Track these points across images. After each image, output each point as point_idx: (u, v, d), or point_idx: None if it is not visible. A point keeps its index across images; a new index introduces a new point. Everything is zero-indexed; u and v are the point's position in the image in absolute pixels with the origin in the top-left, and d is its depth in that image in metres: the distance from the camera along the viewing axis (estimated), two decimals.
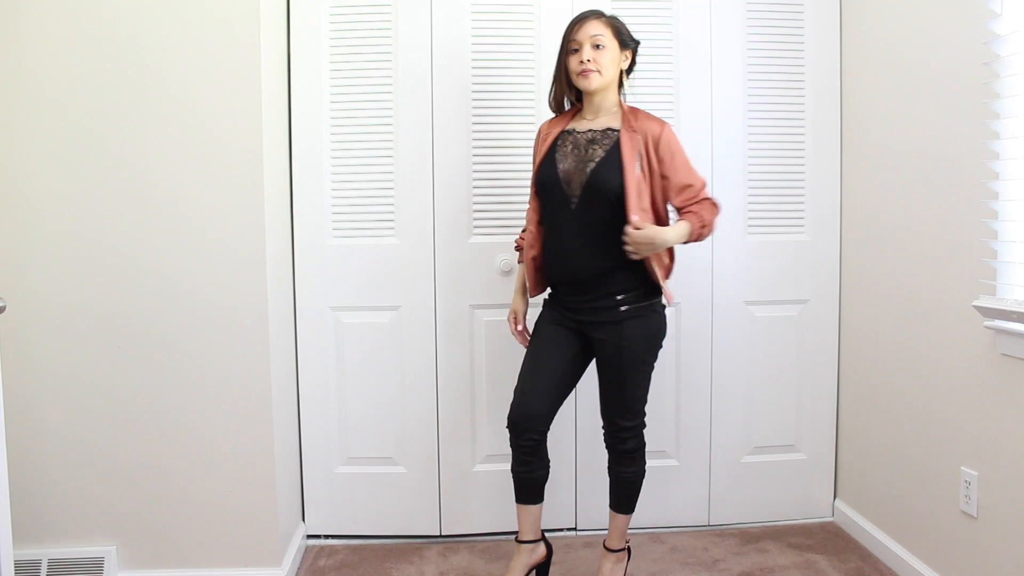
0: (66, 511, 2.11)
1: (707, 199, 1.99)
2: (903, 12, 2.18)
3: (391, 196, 2.46)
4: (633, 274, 1.97)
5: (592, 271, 1.97)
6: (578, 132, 2.03)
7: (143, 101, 2.04)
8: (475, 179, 2.47)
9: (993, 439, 1.82)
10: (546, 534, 2.17)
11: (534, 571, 2.14)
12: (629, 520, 2.14)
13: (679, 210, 2.00)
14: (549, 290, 2.14)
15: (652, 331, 2.03)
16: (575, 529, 2.59)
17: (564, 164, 1.99)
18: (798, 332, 2.60)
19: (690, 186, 1.97)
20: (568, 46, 1.98)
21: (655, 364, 2.07)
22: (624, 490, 2.11)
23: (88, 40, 2.02)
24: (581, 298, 2.01)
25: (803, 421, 2.63)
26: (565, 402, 2.16)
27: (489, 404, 2.51)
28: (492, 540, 2.53)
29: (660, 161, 1.95)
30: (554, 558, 2.31)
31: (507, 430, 2.07)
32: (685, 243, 1.97)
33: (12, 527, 1.45)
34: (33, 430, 2.07)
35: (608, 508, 2.16)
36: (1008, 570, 1.76)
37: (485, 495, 2.53)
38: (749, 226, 2.55)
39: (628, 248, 1.88)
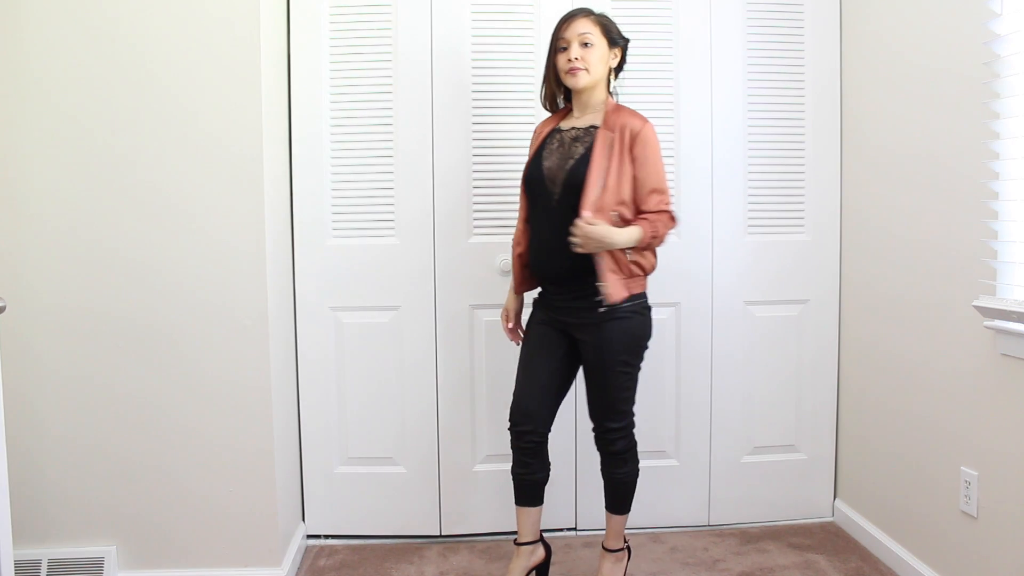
0: (66, 511, 2.11)
1: (667, 211, 1.96)
2: (903, 12, 2.18)
3: (391, 196, 2.46)
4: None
5: (571, 270, 1.95)
6: (564, 130, 2.04)
7: (143, 101, 2.04)
8: (475, 179, 2.47)
9: (993, 439, 1.82)
10: (546, 534, 2.17)
11: (533, 572, 2.14)
12: (626, 520, 2.13)
13: (637, 213, 1.96)
14: (539, 289, 2.14)
15: (633, 333, 2.00)
16: (575, 529, 2.59)
17: (548, 162, 2.01)
18: (798, 332, 2.60)
19: (655, 191, 1.95)
20: (557, 44, 1.99)
21: (641, 365, 2.05)
22: (618, 491, 2.10)
23: (88, 41, 2.02)
24: (562, 297, 2.01)
25: (803, 421, 2.63)
26: (566, 402, 2.17)
27: (489, 404, 2.51)
28: (492, 540, 2.53)
29: (634, 158, 1.93)
30: (554, 558, 2.31)
31: (508, 432, 2.08)
32: (631, 249, 1.93)
33: (12, 527, 1.45)
34: (33, 430, 2.07)
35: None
36: (1008, 570, 1.76)
37: (485, 495, 2.53)
38: (749, 226, 2.55)
39: (575, 240, 1.88)
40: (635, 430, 2.10)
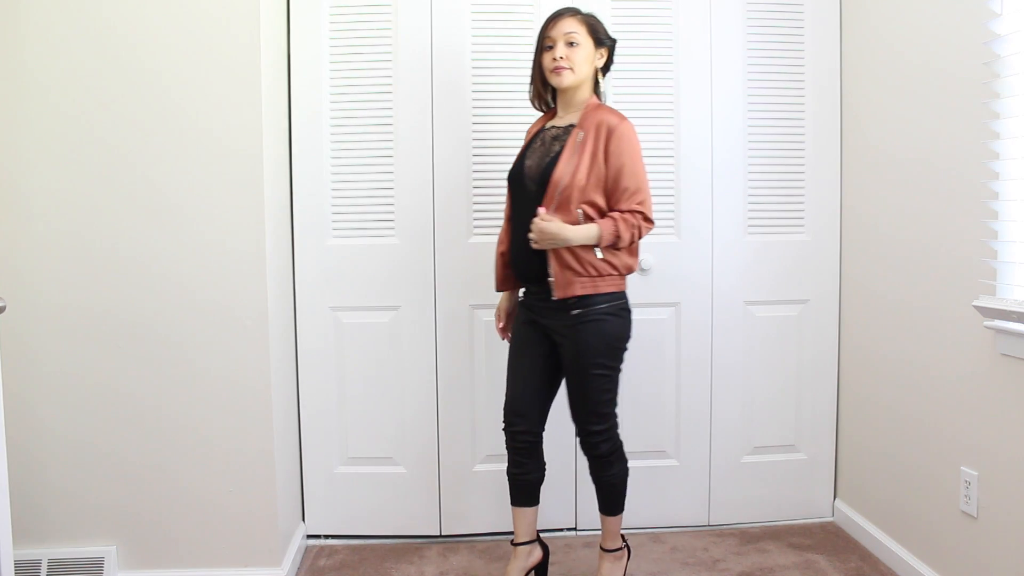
0: (66, 511, 2.11)
1: (639, 211, 1.91)
2: (903, 11, 2.18)
3: (391, 196, 2.46)
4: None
5: (546, 270, 1.94)
6: (546, 129, 2.05)
7: (143, 102, 2.04)
8: (475, 179, 2.47)
9: (993, 439, 1.82)
10: (545, 534, 2.18)
11: (532, 573, 2.14)
12: (620, 520, 2.11)
13: (609, 210, 1.93)
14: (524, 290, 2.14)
15: (609, 335, 1.95)
16: (575, 529, 2.58)
17: (530, 161, 2.02)
18: (798, 332, 2.60)
19: (629, 189, 1.91)
20: (543, 43, 1.99)
21: (621, 366, 2.02)
22: (608, 493, 2.07)
23: (88, 41, 2.02)
24: (538, 297, 2.01)
25: (803, 421, 2.63)
26: (565, 402, 2.16)
27: (489, 404, 2.51)
28: (492, 540, 2.53)
29: (608, 155, 1.91)
30: (554, 558, 2.31)
31: (503, 432, 2.10)
32: (599, 247, 1.90)
33: (12, 527, 1.45)
34: (33, 430, 2.07)
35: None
36: (1008, 570, 1.76)
37: (485, 495, 2.53)
38: (749, 226, 2.55)
39: (531, 236, 1.88)
40: (620, 430, 2.08)
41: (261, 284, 2.11)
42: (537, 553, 2.14)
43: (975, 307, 1.80)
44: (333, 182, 2.45)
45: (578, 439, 2.05)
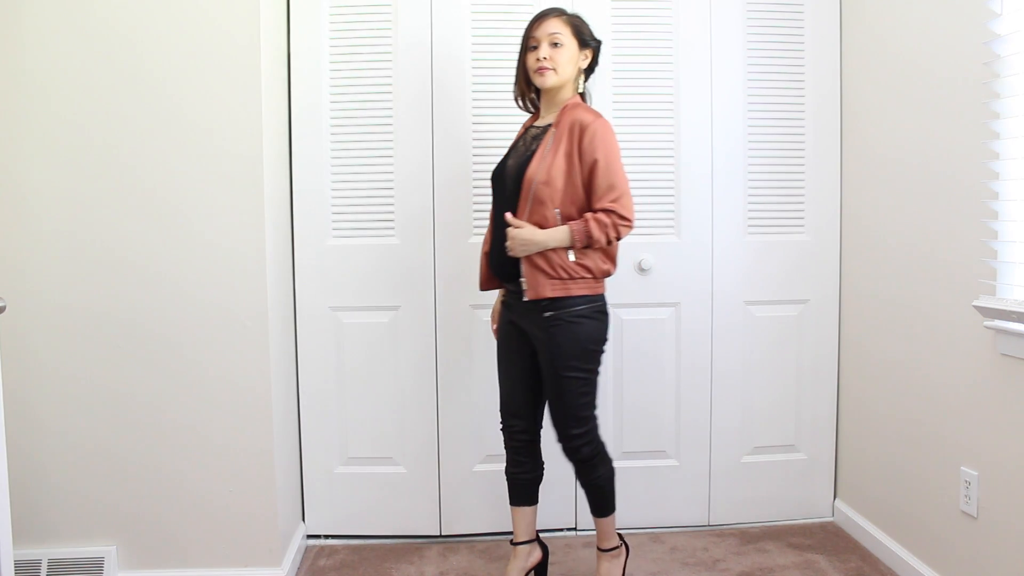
0: (66, 511, 2.11)
1: (614, 211, 1.86)
2: (903, 11, 2.18)
3: (391, 196, 2.46)
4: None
5: (518, 270, 1.94)
6: (528, 129, 2.06)
7: (143, 103, 2.04)
8: (475, 179, 2.47)
9: (993, 439, 1.82)
10: (546, 534, 2.18)
11: (531, 573, 2.14)
12: (614, 519, 2.09)
13: (590, 211, 1.90)
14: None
15: (582, 338, 1.92)
16: (575, 529, 2.58)
17: (512, 161, 2.02)
18: (798, 333, 2.60)
19: (598, 187, 1.87)
20: (527, 43, 1.98)
21: (598, 369, 1.99)
22: (597, 496, 2.04)
23: (88, 43, 2.02)
24: (515, 297, 2.00)
25: (803, 421, 2.63)
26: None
27: (489, 404, 2.50)
28: (492, 540, 2.53)
29: (581, 152, 1.89)
30: (554, 558, 2.31)
31: (500, 431, 2.11)
32: (573, 248, 1.88)
33: (12, 527, 1.44)
34: (33, 430, 2.07)
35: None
36: (1008, 570, 1.76)
37: (485, 495, 2.53)
38: (749, 226, 2.55)
39: (507, 245, 1.89)
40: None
41: (261, 284, 2.11)
42: (537, 553, 2.14)
43: (975, 307, 1.80)
44: (333, 182, 2.45)
45: (560, 445, 2.00)
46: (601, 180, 1.88)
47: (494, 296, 2.47)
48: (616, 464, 2.53)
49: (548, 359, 1.94)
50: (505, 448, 2.12)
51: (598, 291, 1.96)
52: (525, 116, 2.43)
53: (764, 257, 2.57)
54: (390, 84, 2.44)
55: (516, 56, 2.42)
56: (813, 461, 2.64)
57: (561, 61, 1.94)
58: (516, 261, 1.93)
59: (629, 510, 2.57)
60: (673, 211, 2.52)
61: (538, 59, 1.94)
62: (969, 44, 1.87)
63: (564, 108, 1.95)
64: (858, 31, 2.45)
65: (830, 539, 2.50)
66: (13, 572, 1.50)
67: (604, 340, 1.99)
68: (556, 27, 1.94)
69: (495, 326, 2.21)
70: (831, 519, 2.65)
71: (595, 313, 1.95)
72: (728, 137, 2.52)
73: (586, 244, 1.88)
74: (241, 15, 2.05)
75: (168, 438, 2.12)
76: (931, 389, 2.08)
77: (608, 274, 1.98)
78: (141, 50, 2.04)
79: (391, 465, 2.53)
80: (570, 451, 1.99)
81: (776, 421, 2.62)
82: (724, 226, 2.54)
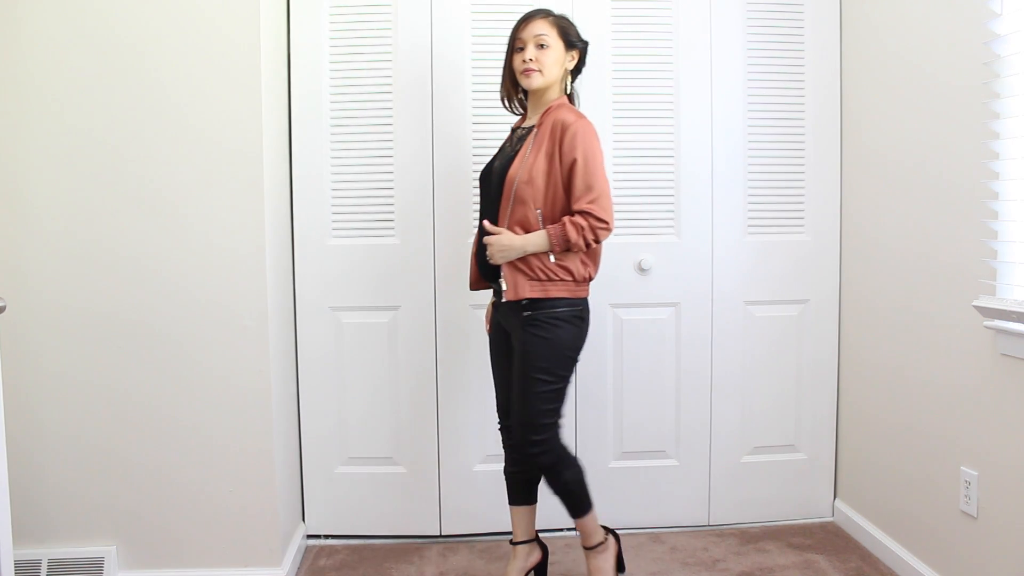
0: (66, 511, 2.11)
1: (589, 213, 1.84)
2: (903, 11, 2.18)
3: (391, 196, 2.46)
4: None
5: (498, 270, 1.94)
6: (515, 130, 2.07)
7: (144, 103, 2.05)
8: (475, 179, 2.46)
9: (993, 439, 1.82)
10: (546, 534, 2.17)
11: (531, 573, 2.14)
12: (592, 516, 2.02)
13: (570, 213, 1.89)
14: None
15: (557, 342, 1.89)
16: (575, 529, 2.57)
17: (497, 162, 2.03)
18: (798, 332, 2.60)
19: (576, 188, 1.86)
20: (514, 44, 1.98)
21: (569, 377, 1.95)
22: (568, 500, 1.99)
23: (88, 44, 2.02)
24: (498, 296, 2.00)
25: (803, 421, 2.63)
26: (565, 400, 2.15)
27: (488, 404, 2.50)
28: (492, 540, 2.53)
29: (561, 152, 1.88)
30: (554, 558, 2.31)
31: (499, 431, 2.11)
32: (552, 252, 1.87)
33: (12, 527, 1.45)
34: (33, 430, 2.08)
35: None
36: (1008, 570, 1.76)
37: (485, 495, 2.53)
38: (749, 226, 2.55)
39: (488, 253, 1.91)
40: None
41: (261, 284, 2.12)
42: (537, 553, 2.14)
43: (975, 307, 1.80)
44: (333, 182, 2.45)
45: (518, 450, 1.95)
46: (579, 180, 1.86)
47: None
48: (616, 464, 2.57)
49: (519, 358, 1.92)
50: (504, 447, 2.12)
51: (579, 295, 1.94)
52: None
53: (764, 257, 2.57)
54: (390, 84, 2.44)
55: None
56: (813, 461, 2.64)
57: (547, 62, 1.94)
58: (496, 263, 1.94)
59: (629, 510, 2.58)
60: (673, 211, 2.52)
61: (524, 60, 1.94)
62: (969, 44, 1.87)
63: (548, 109, 1.95)
64: (858, 31, 2.45)
65: (830, 539, 2.50)
66: (13, 572, 1.51)
67: (579, 347, 1.96)
68: (542, 28, 1.94)
69: (488, 326, 2.21)
70: (831, 519, 2.65)
71: (573, 318, 1.93)
72: (728, 137, 2.52)
73: (564, 248, 1.87)
74: (241, 16, 2.05)
75: (168, 438, 2.12)
76: (931, 389, 2.08)
77: (590, 278, 1.97)
78: (142, 51, 2.04)
79: (391, 465, 2.53)
80: (528, 456, 1.93)
81: (776, 421, 2.62)
82: (724, 226, 2.54)
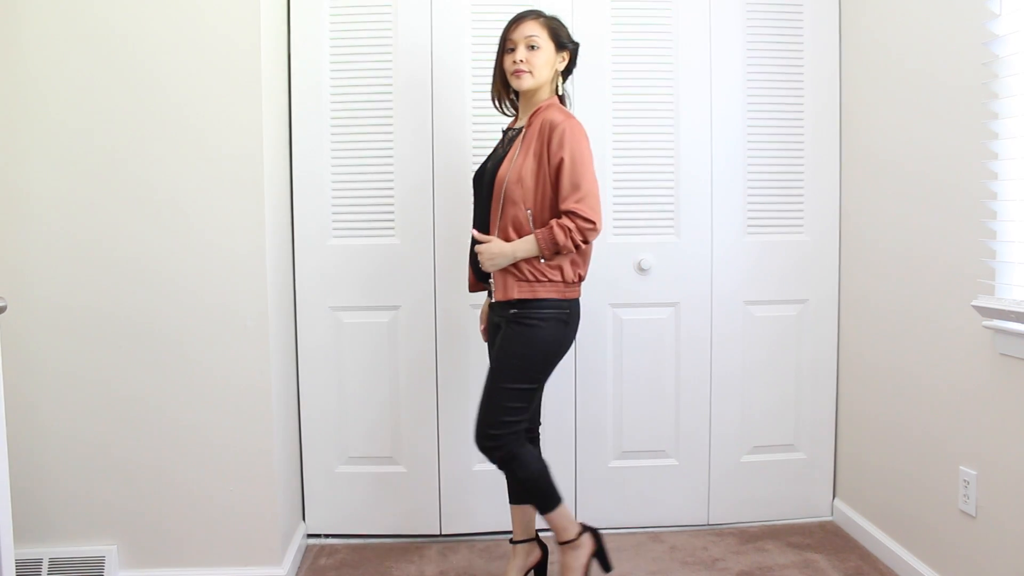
0: (67, 510, 2.12)
1: (575, 213, 1.83)
2: (902, 12, 2.18)
3: (391, 196, 2.47)
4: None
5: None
6: (506, 131, 2.08)
7: (144, 104, 2.05)
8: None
9: (992, 439, 1.82)
10: (546, 533, 2.17)
11: (531, 572, 2.14)
12: (561, 512, 1.98)
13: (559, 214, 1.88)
14: None
15: (538, 343, 1.88)
16: None
17: (489, 163, 2.03)
18: (797, 332, 2.61)
19: (563, 187, 1.85)
20: (504, 45, 1.99)
21: (544, 381, 1.95)
22: (529, 495, 1.99)
23: (88, 45, 2.02)
24: (490, 295, 2.00)
25: (802, 421, 2.63)
26: (565, 400, 2.16)
27: None
28: (492, 539, 2.53)
29: (549, 153, 1.87)
30: (554, 557, 2.31)
31: None
32: (543, 256, 1.87)
33: (13, 526, 1.45)
34: (34, 430, 2.08)
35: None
36: (1007, 570, 1.77)
37: (485, 495, 2.53)
38: (749, 226, 2.56)
39: (480, 261, 1.91)
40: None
41: (261, 284, 2.12)
42: (536, 552, 2.15)
43: (974, 307, 1.80)
44: (333, 182, 2.45)
45: (475, 440, 1.93)
46: (566, 180, 1.86)
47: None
48: (616, 463, 2.57)
49: (496, 351, 1.95)
50: None
51: (568, 296, 1.93)
52: None
53: (763, 257, 2.57)
54: (390, 84, 2.44)
55: None
56: (812, 460, 2.64)
57: (537, 64, 1.94)
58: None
59: (629, 509, 2.58)
60: (673, 211, 2.52)
61: (514, 62, 1.94)
62: (968, 45, 1.87)
63: (537, 109, 1.96)
64: (857, 32, 2.45)
65: (829, 538, 2.50)
66: (14, 571, 1.51)
67: (559, 352, 1.95)
68: (533, 30, 1.94)
69: (483, 327, 2.21)
70: (830, 518, 2.65)
71: (557, 320, 1.91)
72: (728, 137, 2.52)
73: (554, 252, 1.87)
74: (241, 16, 2.05)
75: (169, 437, 2.12)
76: (930, 388, 2.08)
77: (580, 279, 1.96)
78: (142, 53, 2.04)
79: (391, 464, 2.54)
80: (481, 450, 1.92)
81: (775, 421, 2.62)
82: (724, 226, 2.54)
